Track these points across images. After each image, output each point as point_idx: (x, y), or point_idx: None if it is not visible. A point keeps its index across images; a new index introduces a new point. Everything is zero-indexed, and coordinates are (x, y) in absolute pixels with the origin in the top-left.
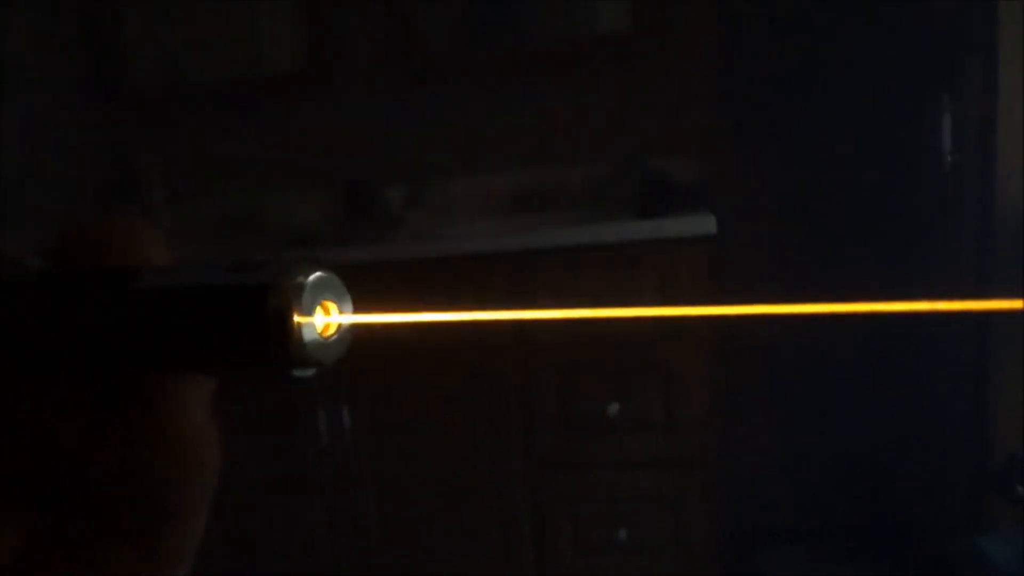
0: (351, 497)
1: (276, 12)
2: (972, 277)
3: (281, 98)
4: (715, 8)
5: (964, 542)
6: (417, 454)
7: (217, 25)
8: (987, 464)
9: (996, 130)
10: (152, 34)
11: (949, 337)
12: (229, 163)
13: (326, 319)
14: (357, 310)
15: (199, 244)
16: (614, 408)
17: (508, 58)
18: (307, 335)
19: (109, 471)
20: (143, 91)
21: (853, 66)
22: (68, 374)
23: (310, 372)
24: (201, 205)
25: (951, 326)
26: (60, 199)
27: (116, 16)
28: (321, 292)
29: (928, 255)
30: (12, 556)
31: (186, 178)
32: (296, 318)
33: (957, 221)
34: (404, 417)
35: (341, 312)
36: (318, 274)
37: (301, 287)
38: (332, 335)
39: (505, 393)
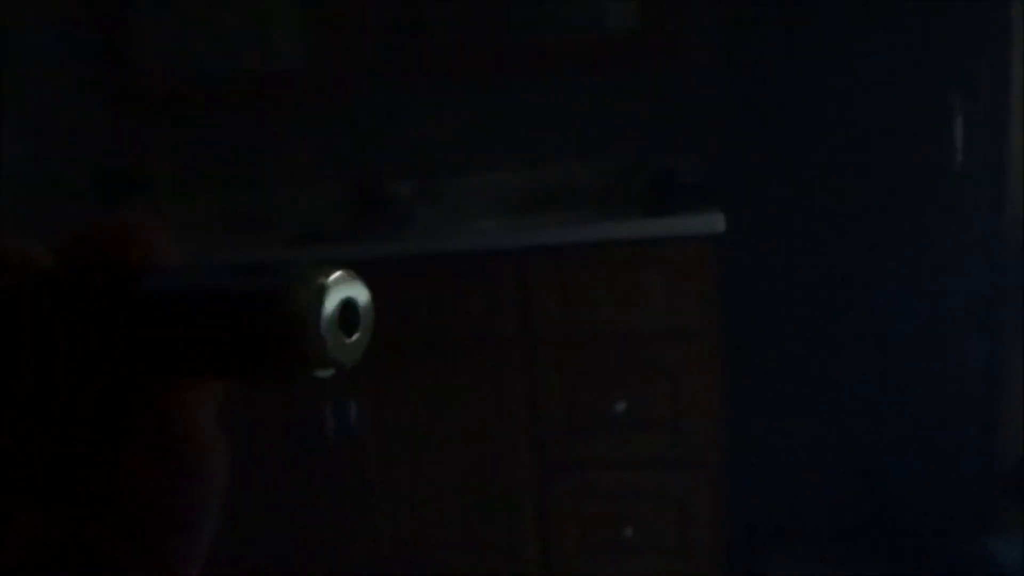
0: (358, 494)
1: (285, 8)
2: (982, 274)
3: (289, 94)
4: (724, 6)
5: (972, 543)
6: (424, 451)
7: (226, 22)
8: (995, 466)
9: (1007, 129)
10: (160, 31)
11: (958, 339)
12: (237, 159)
13: (347, 319)
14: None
15: (207, 240)
16: (621, 407)
17: (516, 56)
18: (330, 337)
19: (116, 474)
20: (151, 88)
21: (864, 65)
22: (77, 377)
23: (331, 372)
24: (209, 201)
25: (961, 328)
26: (67, 195)
27: (124, 13)
28: (342, 291)
29: (938, 253)
30: (19, 556)
31: (194, 174)
32: (319, 320)
33: (968, 219)
34: (411, 415)
35: (361, 310)
36: (338, 274)
37: (323, 288)
38: (355, 335)
39: (512, 390)
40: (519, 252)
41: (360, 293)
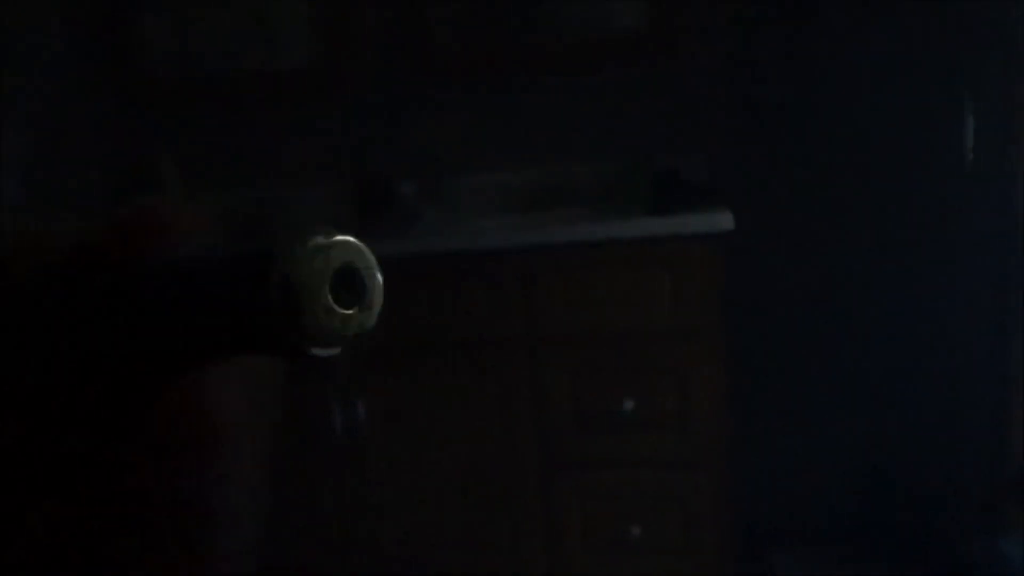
0: (362, 493)
1: (290, 8)
2: (990, 274)
3: (294, 93)
4: (730, 5)
5: (980, 543)
6: (429, 450)
7: (232, 20)
8: (1003, 465)
9: (1017, 130)
10: (167, 29)
11: (966, 338)
12: (243, 158)
13: (346, 287)
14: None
15: (213, 239)
16: (628, 406)
17: (522, 54)
18: (321, 305)
19: (120, 473)
20: (158, 86)
21: (872, 64)
22: (78, 374)
23: (331, 350)
24: (215, 200)
25: (969, 327)
26: (73, 193)
27: (131, 11)
28: (339, 257)
29: (946, 253)
30: (21, 555)
31: (201, 173)
32: (306, 286)
33: (976, 219)
34: (415, 414)
35: (368, 281)
36: (336, 237)
37: (311, 250)
38: (355, 308)
39: (517, 390)
40: (524, 251)
41: (363, 259)
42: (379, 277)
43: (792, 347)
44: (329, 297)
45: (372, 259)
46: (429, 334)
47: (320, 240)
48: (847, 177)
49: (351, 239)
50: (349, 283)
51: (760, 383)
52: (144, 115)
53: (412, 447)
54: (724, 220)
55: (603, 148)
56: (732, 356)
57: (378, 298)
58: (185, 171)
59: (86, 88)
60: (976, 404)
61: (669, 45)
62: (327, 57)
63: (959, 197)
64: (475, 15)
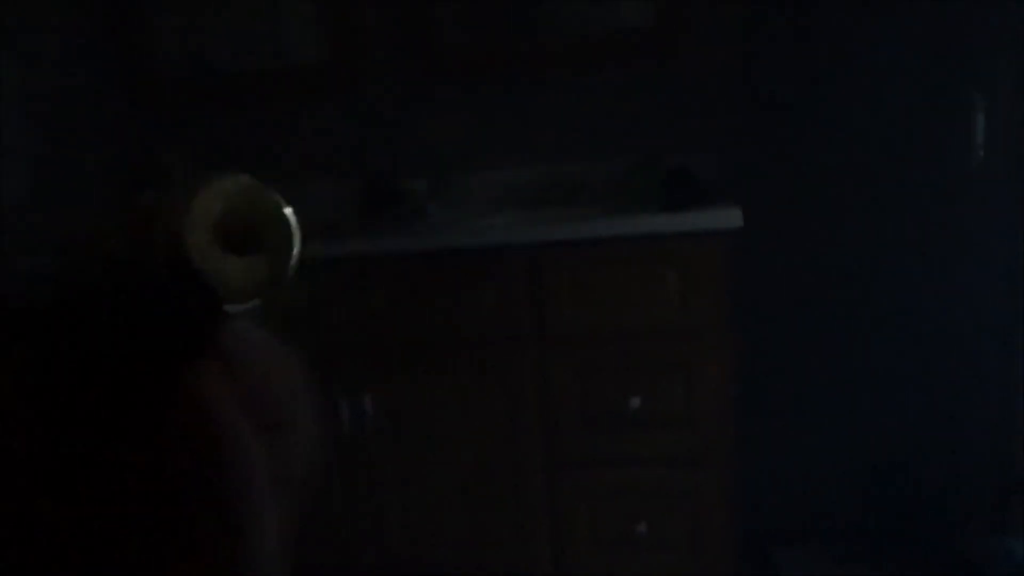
0: (369, 490)
1: (299, 5)
2: (999, 273)
3: (301, 91)
4: (738, 3)
5: (987, 541)
6: (436, 447)
7: (241, 18)
8: (1011, 463)
9: None
10: (177, 26)
11: (973, 337)
12: (249, 155)
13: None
14: (373, 303)
15: None
16: (634, 404)
17: (530, 52)
18: (202, 249)
19: (134, 466)
20: (167, 82)
21: (883, 62)
22: (75, 380)
23: (242, 304)
24: None
25: (976, 326)
26: (82, 189)
27: (139, 10)
28: (224, 198)
29: (955, 251)
30: (27, 554)
31: (208, 168)
32: (188, 230)
33: (986, 217)
34: (423, 411)
35: (284, 239)
36: (223, 181)
37: (194, 192)
38: (258, 255)
39: (524, 386)
40: (531, 248)
41: (259, 200)
42: (291, 221)
43: (798, 346)
44: (210, 239)
45: (275, 200)
46: (435, 331)
47: (209, 181)
48: (856, 175)
49: (247, 179)
50: (232, 226)
51: (766, 382)
52: (151, 113)
53: (418, 444)
54: (733, 217)
55: (611, 146)
56: (740, 354)
57: (287, 245)
58: (194, 166)
59: (93, 86)
60: (980, 403)
61: (676, 43)
62: (333, 56)
63: (968, 196)
64: (481, 14)
